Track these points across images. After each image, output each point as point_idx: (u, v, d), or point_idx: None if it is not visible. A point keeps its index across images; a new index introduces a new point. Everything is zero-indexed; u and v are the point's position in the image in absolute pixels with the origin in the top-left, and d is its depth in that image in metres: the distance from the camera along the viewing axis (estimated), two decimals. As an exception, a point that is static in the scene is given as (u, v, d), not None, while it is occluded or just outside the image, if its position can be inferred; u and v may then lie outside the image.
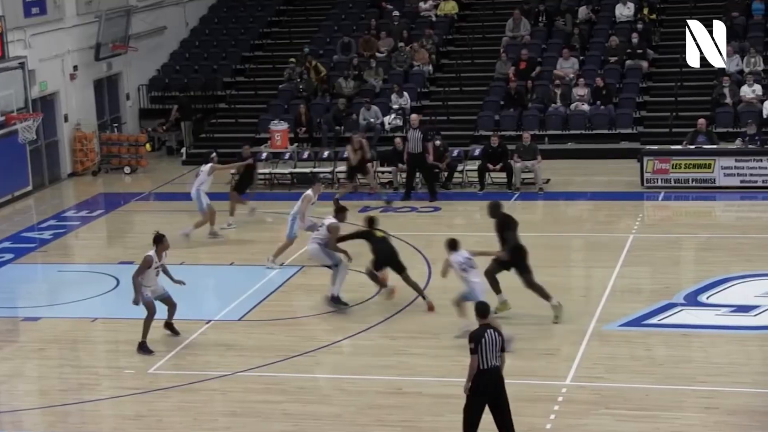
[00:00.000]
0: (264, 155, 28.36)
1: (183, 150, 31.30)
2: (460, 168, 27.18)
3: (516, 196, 26.10)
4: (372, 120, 29.72)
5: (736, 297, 18.56)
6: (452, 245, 17.17)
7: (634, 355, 16.29)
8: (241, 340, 17.63)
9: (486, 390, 12.79)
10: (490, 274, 17.75)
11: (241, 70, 34.43)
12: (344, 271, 18.66)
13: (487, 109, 30.56)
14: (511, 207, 25.30)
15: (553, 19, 33.38)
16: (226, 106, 33.01)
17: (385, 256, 18.53)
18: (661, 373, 15.63)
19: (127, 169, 30.39)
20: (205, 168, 23.10)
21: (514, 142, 27.39)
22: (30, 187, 28.17)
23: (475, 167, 26.84)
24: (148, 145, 31.23)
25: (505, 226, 17.91)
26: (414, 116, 27.05)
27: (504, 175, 26.57)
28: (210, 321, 18.41)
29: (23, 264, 22.39)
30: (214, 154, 24.71)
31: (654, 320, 17.65)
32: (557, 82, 30.42)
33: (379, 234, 18.74)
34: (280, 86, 32.34)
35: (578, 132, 29.69)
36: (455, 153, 27.40)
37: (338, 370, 16.17)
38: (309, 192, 20.89)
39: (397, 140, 27.18)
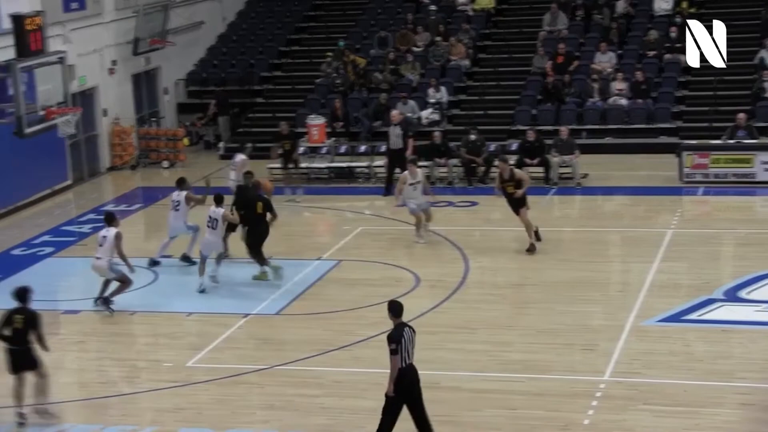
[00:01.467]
0: (301, 149, 28.44)
1: (220, 144, 31.40)
2: (496, 162, 27.09)
3: (553, 190, 26.03)
4: (409, 114, 29.69)
5: (776, 293, 18.45)
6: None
7: (673, 350, 16.20)
8: (279, 334, 17.69)
9: (407, 389, 12.76)
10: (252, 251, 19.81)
11: (278, 64, 34.51)
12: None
13: (524, 104, 30.48)
14: (548, 202, 25.35)
15: (590, 13, 33.22)
16: (263, 100, 33.10)
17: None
18: (699, 369, 15.54)
19: (165, 164, 30.55)
20: (238, 160, 23.46)
21: (551, 136, 27.31)
22: (69, 181, 28.38)
23: (512, 162, 26.73)
24: (186, 140, 31.36)
25: (243, 203, 20.09)
26: (394, 113, 27.04)
27: (541, 169, 26.50)
28: (248, 315, 18.48)
29: (63, 257, 22.55)
30: (249, 145, 25.15)
31: (693, 316, 17.54)
32: (595, 76, 30.28)
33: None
34: (317, 81, 32.39)
35: (616, 126, 29.54)
36: (492, 147, 27.34)
37: (375, 364, 16.12)
38: (405, 173, 22.16)
39: (436, 134, 27.25)
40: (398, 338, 12.63)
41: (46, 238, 23.85)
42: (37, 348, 14.56)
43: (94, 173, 29.69)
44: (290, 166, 26.28)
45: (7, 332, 14.46)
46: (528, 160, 26.43)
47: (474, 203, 25.10)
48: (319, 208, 25.53)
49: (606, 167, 27.36)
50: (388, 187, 25.73)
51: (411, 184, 21.57)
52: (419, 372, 12.58)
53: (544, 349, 16.50)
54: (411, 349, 12.76)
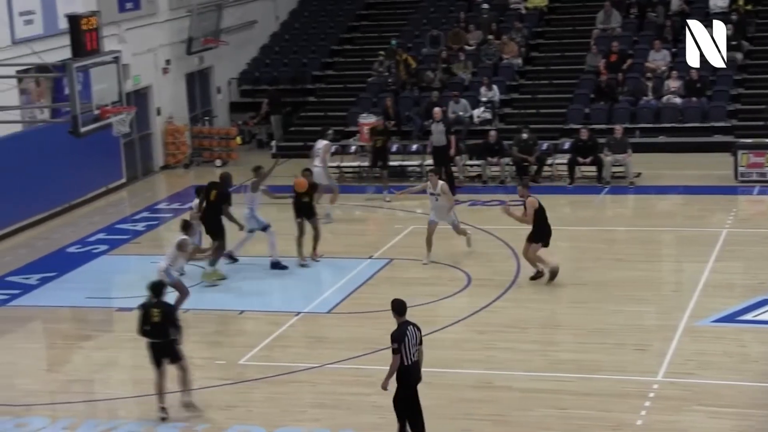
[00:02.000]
0: (353, 148, 28.49)
1: (273, 143, 31.53)
2: (549, 161, 27.01)
3: (606, 189, 25.86)
4: (461, 113, 29.66)
5: (833, 293, 18.20)
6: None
7: (727, 351, 16.03)
8: (330, 333, 17.73)
9: (413, 384, 12.90)
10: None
11: (330, 63, 34.60)
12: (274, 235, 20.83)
13: (577, 102, 30.31)
14: (601, 201, 25.20)
15: (644, 10, 32.97)
16: (316, 99, 33.20)
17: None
18: (754, 370, 15.37)
19: (218, 162, 30.72)
20: (321, 146, 24.12)
21: (604, 135, 27.14)
22: (124, 180, 28.64)
23: (565, 161, 26.65)
24: (238, 138, 31.51)
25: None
26: (437, 110, 26.88)
27: (594, 168, 26.35)
28: (299, 313, 18.55)
29: (117, 255, 22.74)
30: (330, 130, 25.61)
31: (748, 316, 17.35)
32: (649, 74, 30.04)
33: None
34: (369, 79, 32.43)
35: (670, 125, 29.30)
36: (544, 146, 27.23)
37: (426, 363, 16.07)
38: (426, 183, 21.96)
39: (491, 133, 27.23)
40: (401, 338, 12.77)
41: (100, 236, 24.08)
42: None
43: (148, 172, 29.94)
44: (379, 163, 26.31)
45: (147, 327, 14.59)
46: (581, 159, 26.31)
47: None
48: (370, 207, 25.58)
49: (660, 166, 27.13)
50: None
51: (432, 194, 20.62)
52: (470, 370, 12.54)
53: (595, 348, 16.41)
54: (414, 347, 12.84)
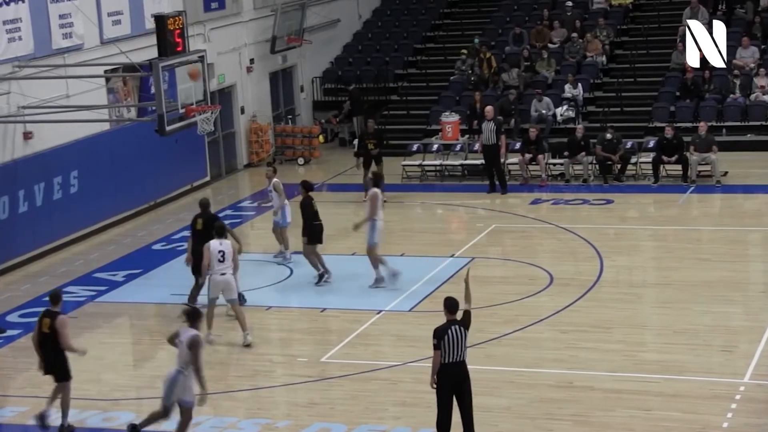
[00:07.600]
0: (435, 146, 28.46)
1: (355, 142, 31.57)
2: (633, 160, 26.70)
3: (692, 188, 25.51)
4: (544, 111, 29.47)
5: None
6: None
7: (817, 354, 15.75)
8: (412, 331, 17.71)
9: (448, 384, 12.91)
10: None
11: (413, 62, 34.60)
12: None
13: (662, 100, 29.93)
14: (686, 200, 24.86)
15: (733, 7, 32.44)
16: (398, 98, 33.22)
17: None
18: None
19: (300, 161, 30.90)
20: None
21: (689, 133, 26.77)
22: (208, 178, 28.92)
23: (649, 159, 26.34)
24: (321, 137, 31.68)
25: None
26: (488, 108, 26.70)
27: (679, 167, 26.01)
28: (381, 311, 18.58)
29: (201, 252, 22.93)
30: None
31: (838, 318, 17.01)
32: (736, 72, 29.56)
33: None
34: (452, 78, 32.37)
35: (758, 123, 28.80)
36: (629, 145, 26.92)
37: (508, 362, 16.10)
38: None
39: (579, 127, 27.00)
40: (442, 334, 12.86)
41: (185, 233, 24.26)
42: None
43: (232, 170, 30.20)
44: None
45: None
46: (665, 158, 25.98)
47: (609, 201, 24.77)
48: (452, 206, 25.53)
49: (747, 165, 26.72)
50: (492, 184, 25.76)
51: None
52: (553, 370, 12.42)
53: (681, 349, 16.20)
54: (457, 347, 12.85)
